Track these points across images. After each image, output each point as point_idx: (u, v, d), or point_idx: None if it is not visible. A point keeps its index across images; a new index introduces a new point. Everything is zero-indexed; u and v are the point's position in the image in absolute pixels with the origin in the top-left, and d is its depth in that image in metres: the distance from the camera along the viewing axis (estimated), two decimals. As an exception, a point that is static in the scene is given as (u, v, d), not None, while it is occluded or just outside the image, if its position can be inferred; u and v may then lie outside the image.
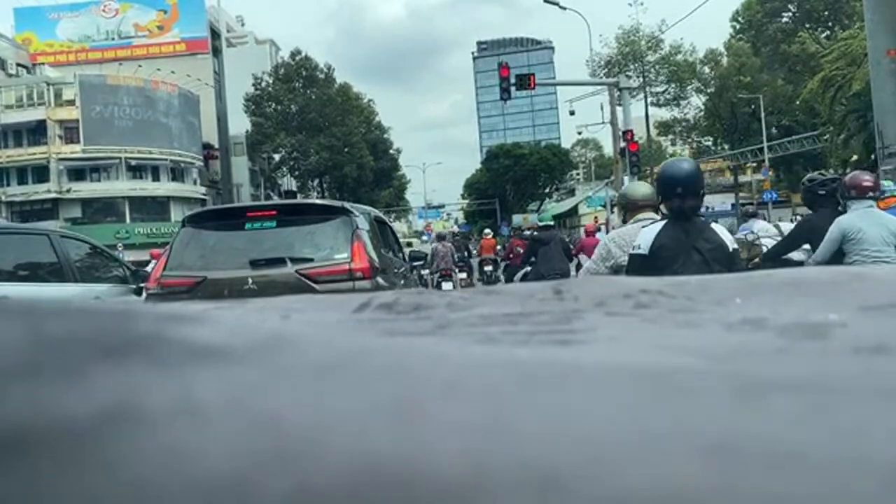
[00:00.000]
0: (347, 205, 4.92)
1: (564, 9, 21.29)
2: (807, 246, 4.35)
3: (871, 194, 4.25)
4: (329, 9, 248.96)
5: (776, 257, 4.77)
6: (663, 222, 2.98)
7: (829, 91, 25.62)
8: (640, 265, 2.92)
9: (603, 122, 32.88)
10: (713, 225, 3.25)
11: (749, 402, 0.29)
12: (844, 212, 4.20)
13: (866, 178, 4.35)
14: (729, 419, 0.28)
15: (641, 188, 3.88)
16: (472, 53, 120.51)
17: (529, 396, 0.30)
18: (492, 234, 17.43)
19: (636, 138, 18.15)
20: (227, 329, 0.39)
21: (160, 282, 4.62)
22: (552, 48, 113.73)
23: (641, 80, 47.19)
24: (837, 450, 0.25)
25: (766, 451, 0.25)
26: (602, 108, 36.02)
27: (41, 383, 0.28)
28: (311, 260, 4.46)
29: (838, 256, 4.18)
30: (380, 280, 4.56)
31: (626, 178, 21.62)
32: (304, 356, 0.35)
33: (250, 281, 4.34)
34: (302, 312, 0.56)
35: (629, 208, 3.68)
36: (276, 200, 6.85)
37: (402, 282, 5.57)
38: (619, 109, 20.00)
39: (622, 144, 19.25)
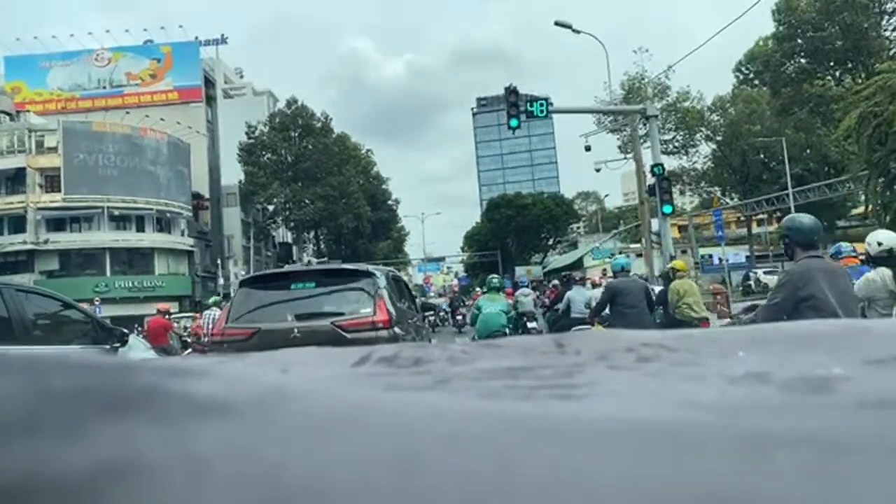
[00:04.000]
0: (371, 268, 5.97)
1: (578, 32, 18.55)
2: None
3: (576, 282, 10.91)
4: (331, 67, 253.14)
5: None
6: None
7: (866, 129, 22.46)
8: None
9: (625, 157, 30.13)
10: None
11: (753, 457, 0.29)
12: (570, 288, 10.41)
13: (576, 275, 13.29)
14: (733, 474, 0.27)
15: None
16: (472, 109, 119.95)
17: (532, 451, 0.29)
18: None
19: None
20: (228, 383, 0.39)
21: (224, 332, 5.44)
22: (551, 104, 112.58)
23: (648, 127, 44.45)
24: None
25: None
26: (623, 145, 33.26)
27: (42, 437, 0.28)
28: (343, 314, 5.32)
29: (568, 311, 9.77)
30: (397, 329, 5.36)
31: (654, 222, 18.62)
32: (303, 410, 0.35)
33: (296, 331, 5.15)
34: (302, 366, 0.56)
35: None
36: (315, 266, 9.43)
37: (415, 330, 6.37)
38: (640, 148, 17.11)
39: (649, 181, 16.07)
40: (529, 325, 12.89)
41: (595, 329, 6.80)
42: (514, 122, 14.99)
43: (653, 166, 15.46)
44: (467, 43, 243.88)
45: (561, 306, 10.34)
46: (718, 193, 47.55)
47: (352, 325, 5.16)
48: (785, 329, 0.64)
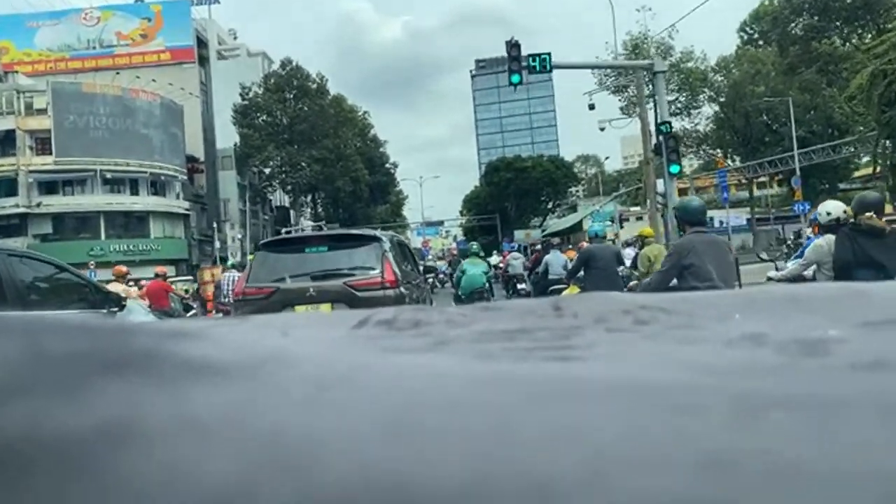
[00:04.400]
0: (378, 233, 6.56)
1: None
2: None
3: (553, 247, 11.92)
4: (328, 31, 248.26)
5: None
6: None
7: (877, 88, 21.66)
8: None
9: (629, 116, 29.37)
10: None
11: (749, 418, 0.29)
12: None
13: (554, 241, 14.56)
14: (728, 435, 0.28)
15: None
16: (471, 72, 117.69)
17: (530, 412, 0.30)
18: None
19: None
20: (227, 346, 0.39)
21: (244, 291, 5.82)
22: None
23: (651, 88, 43.62)
24: (837, 465, 0.26)
25: (765, 467, 0.25)
26: (625, 106, 32.49)
27: (40, 399, 0.28)
28: (354, 275, 5.75)
29: (546, 273, 10.68)
30: (402, 289, 5.81)
31: (659, 183, 17.97)
32: (302, 373, 0.35)
33: (311, 290, 5.57)
34: (301, 329, 0.56)
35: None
36: (326, 231, 10.94)
37: (418, 290, 6.88)
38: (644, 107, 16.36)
39: (654, 141, 15.37)
40: (519, 286, 14.59)
41: (570, 290, 7.87)
42: (515, 78, 14.22)
43: (659, 124, 14.75)
44: (466, 4, 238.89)
45: (540, 269, 11.44)
46: (720, 155, 46.77)
47: (362, 285, 5.61)
48: (781, 292, 0.64)
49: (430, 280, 16.77)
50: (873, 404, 0.32)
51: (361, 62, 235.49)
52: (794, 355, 0.42)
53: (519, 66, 14.24)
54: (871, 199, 4.72)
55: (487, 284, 11.02)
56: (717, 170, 41.61)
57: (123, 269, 11.20)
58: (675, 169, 14.52)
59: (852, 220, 4.68)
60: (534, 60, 14.32)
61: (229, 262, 14.84)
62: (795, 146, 30.52)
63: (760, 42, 43.51)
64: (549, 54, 14.35)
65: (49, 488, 0.23)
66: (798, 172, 30.59)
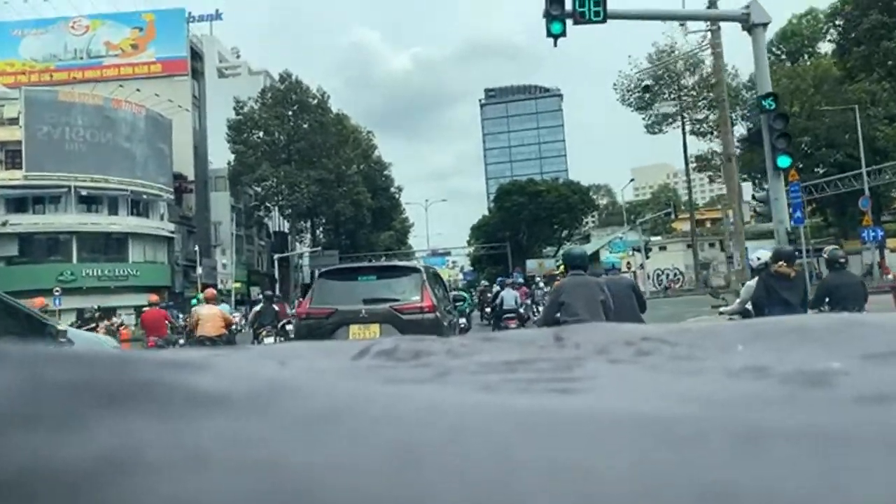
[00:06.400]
0: (418, 265, 8.28)
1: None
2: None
3: (507, 286, 15.78)
4: (338, 60, 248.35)
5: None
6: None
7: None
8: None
9: (655, 133, 25.00)
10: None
11: (751, 451, 0.29)
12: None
13: (508, 280, 16.90)
14: (731, 467, 0.27)
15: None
16: (480, 101, 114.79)
17: (530, 445, 0.29)
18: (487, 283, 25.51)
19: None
20: (227, 376, 0.39)
21: (308, 311, 7.18)
22: (560, 96, 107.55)
23: (678, 105, 38.90)
24: (839, 498, 0.25)
25: (767, 500, 0.25)
26: (651, 125, 28.15)
27: (40, 431, 0.28)
28: (398, 300, 7.01)
29: (501, 305, 14.83)
30: (437, 313, 7.00)
31: (748, 188, 13.46)
32: (302, 404, 0.35)
33: (363, 312, 6.87)
34: (301, 359, 0.56)
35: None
36: (375, 263, 11.95)
37: (450, 314, 8.25)
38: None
39: (743, 129, 10.62)
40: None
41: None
42: (556, 27, 9.89)
43: (762, 97, 10.17)
44: (476, 35, 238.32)
45: (497, 302, 14.80)
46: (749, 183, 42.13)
47: (405, 309, 6.79)
48: (784, 323, 0.64)
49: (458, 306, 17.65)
50: (876, 437, 0.31)
51: (369, 91, 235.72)
52: (797, 387, 0.42)
53: (561, 12, 9.72)
54: (784, 252, 5.85)
55: (468, 308, 16.53)
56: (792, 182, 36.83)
57: (214, 291, 11.18)
58: (784, 161, 9.96)
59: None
60: (581, 5, 9.74)
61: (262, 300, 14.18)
62: (864, 163, 26.24)
63: (788, 63, 39.36)
64: (604, -3, 9.77)
65: None
66: (867, 192, 26.25)
